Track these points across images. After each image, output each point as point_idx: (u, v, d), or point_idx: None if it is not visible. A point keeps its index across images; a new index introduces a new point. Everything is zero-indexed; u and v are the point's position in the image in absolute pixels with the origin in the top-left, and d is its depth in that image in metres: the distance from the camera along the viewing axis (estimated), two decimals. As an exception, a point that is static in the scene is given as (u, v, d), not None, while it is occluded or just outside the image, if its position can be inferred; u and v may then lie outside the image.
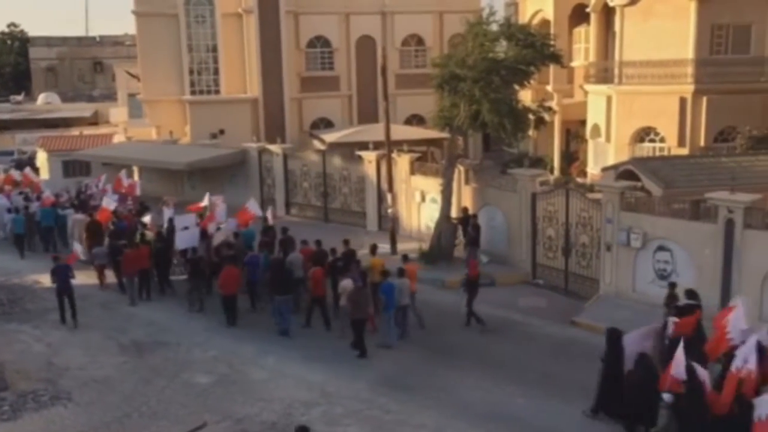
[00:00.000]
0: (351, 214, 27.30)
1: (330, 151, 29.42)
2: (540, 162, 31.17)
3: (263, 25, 36.09)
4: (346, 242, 19.33)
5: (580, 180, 28.36)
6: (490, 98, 20.06)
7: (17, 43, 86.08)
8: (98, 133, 45.18)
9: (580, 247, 19.28)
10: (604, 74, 28.40)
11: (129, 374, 15.21)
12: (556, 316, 17.68)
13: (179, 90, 36.59)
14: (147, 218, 23.60)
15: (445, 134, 24.36)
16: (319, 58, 38.13)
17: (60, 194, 29.29)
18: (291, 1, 36.52)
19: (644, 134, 26.58)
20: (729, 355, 11.86)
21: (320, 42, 37.91)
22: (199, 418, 12.83)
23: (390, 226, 23.67)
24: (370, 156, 26.20)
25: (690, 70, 25.13)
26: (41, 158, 41.14)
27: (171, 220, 21.97)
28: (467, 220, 21.20)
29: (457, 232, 21.85)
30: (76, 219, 24.63)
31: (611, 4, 27.33)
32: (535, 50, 20.86)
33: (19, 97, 71.54)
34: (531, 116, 21.65)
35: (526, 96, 27.29)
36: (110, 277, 20.99)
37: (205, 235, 20.74)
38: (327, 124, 37.96)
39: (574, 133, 32.24)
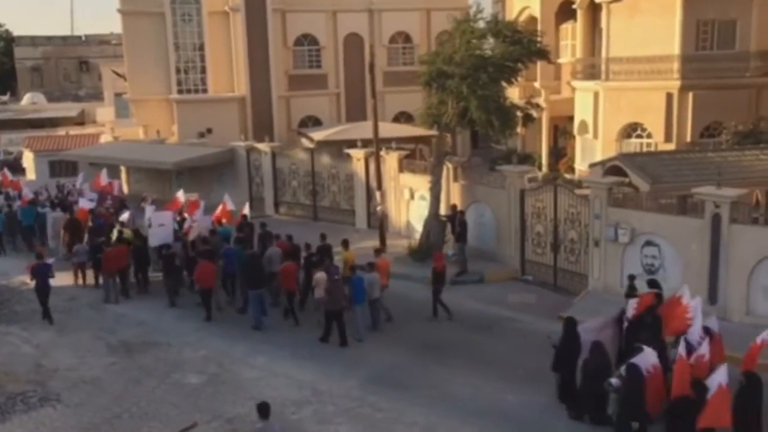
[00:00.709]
0: (340, 212, 27.30)
1: (318, 150, 29.41)
2: (528, 158, 31.26)
3: (250, 23, 36.00)
4: (322, 236, 19.60)
5: (568, 176, 28.48)
6: (478, 95, 20.09)
7: (2, 42, 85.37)
8: (85, 132, 44.91)
9: (569, 243, 19.36)
10: (591, 71, 28.52)
11: (119, 375, 15.15)
12: (546, 312, 17.73)
13: (166, 89, 36.43)
14: (124, 216, 23.90)
15: (433, 132, 24.38)
16: (306, 56, 38.08)
17: (39, 192, 29.43)
18: (278, -1, 36.47)
19: (631, 130, 26.71)
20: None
21: (308, 40, 37.86)
22: (189, 418, 12.76)
23: (379, 224, 23.67)
24: (358, 154, 26.20)
25: (676, 66, 25.28)
26: (27, 158, 40.89)
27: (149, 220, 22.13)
28: (455, 217, 21.25)
29: (446, 229, 21.88)
30: (54, 217, 24.81)
31: (597, 0, 27.43)
32: (522, 47, 20.91)
33: (5, 97, 71.03)
34: (519, 113, 21.72)
35: (513, 93, 27.35)
36: (89, 276, 21.05)
37: (180, 231, 21.16)
38: (315, 122, 37.93)
39: (562, 129, 32.37)
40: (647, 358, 11.57)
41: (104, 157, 34.24)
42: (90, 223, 23.26)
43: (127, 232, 21.55)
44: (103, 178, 29.32)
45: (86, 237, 22.02)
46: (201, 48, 36.38)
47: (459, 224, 20.79)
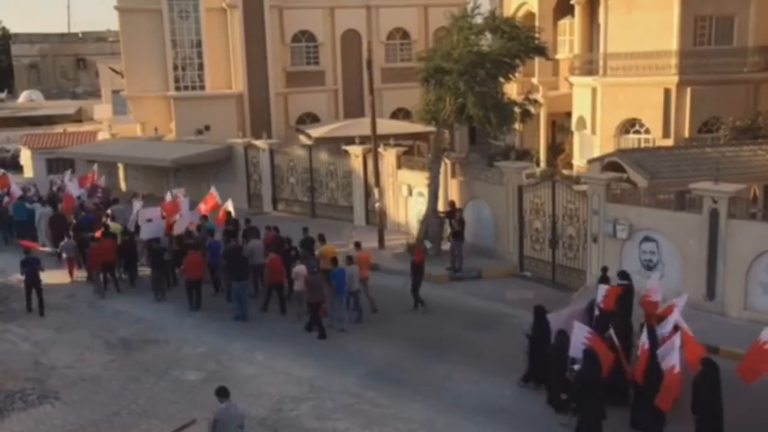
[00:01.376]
0: (338, 209, 27.28)
1: (316, 146, 29.37)
2: (526, 154, 31.24)
3: (248, 19, 35.89)
4: (305, 230, 20.09)
5: (566, 172, 28.47)
6: (476, 91, 20.07)
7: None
8: (82, 130, 44.72)
9: (567, 239, 19.37)
10: (589, 66, 28.49)
11: (117, 372, 15.15)
12: (544, 308, 17.72)
13: (163, 86, 36.31)
14: (112, 209, 24.33)
15: (431, 128, 24.36)
16: (304, 52, 37.98)
17: (27, 188, 29.84)
18: (275, -5, 36.38)
19: (629, 126, 26.71)
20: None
21: (305, 36, 37.77)
22: (188, 415, 12.80)
23: (377, 221, 23.67)
24: (356, 150, 26.18)
25: (674, 61, 25.27)
26: (25, 156, 40.77)
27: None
28: (453, 214, 21.24)
29: (444, 226, 21.88)
30: (42, 213, 25.10)
31: (595, -4, 27.44)
32: (520, 43, 20.87)
33: (2, 95, 70.81)
34: (517, 109, 21.70)
35: (511, 89, 27.33)
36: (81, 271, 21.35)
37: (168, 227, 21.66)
38: (313, 118, 37.85)
39: (560, 125, 32.34)
40: (579, 332, 12.26)
41: (102, 154, 34.20)
42: (73, 219, 23.82)
43: (115, 227, 21.96)
44: (95, 175, 29.84)
45: (71, 232, 22.40)
46: (198, 45, 36.26)
47: (458, 222, 20.78)
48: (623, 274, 15.20)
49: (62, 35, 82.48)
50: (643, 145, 25.82)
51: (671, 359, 11.54)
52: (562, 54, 31.66)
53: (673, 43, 25.25)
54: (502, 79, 21.33)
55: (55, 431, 12.89)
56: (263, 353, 15.76)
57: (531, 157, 31.35)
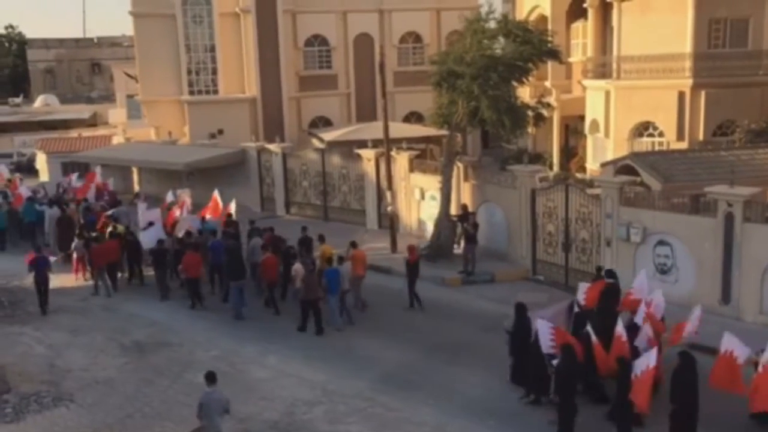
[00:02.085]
0: (351, 213, 27.31)
1: (329, 150, 29.41)
2: (539, 158, 31.14)
3: (261, 24, 36.06)
4: (303, 229, 20.66)
5: (579, 175, 28.34)
6: (489, 95, 20.05)
7: (15, 45, 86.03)
8: (97, 134, 45.06)
9: (580, 242, 19.29)
10: (602, 69, 28.38)
11: (131, 375, 15.24)
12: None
13: (177, 90, 36.55)
14: (116, 210, 24.92)
15: (443, 131, 24.35)
16: (317, 56, 38.10)
17: (37, 191, 30.51)
18: (288, 0, 36.51)
19: (643, 129, 26.57)
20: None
21: (318, 41, 37.89)
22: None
23: (390, 224, 23.67)
24: (369, 154, 26.20)
25: (688, 64, 25.11)
26: (41, 160, 41.10)
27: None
28: (466, 217, 21.22)
29: (457, 230, 21.86)
30: (51, 214, 25.61)
31: (608, -1, 27.34)
32: (533, 46, 20.84)
33: (18, 100, 71.49)
34: (530, 112, 21.65)
35: (524, 92, 27.27)
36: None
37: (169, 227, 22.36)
38: (326, 122, 37.95)
39: (573, 128, 32.21)
40: (543, 330, 12.80)
41: (116, 158, 34.42)
42: (81, 220, 24.52)
43: (120, 227, 22.37)
44: (98, 177, 30.29)
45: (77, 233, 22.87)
46: (212, 49, 36.47)
47: (471, 226, 20.77)
48: (609, 273, 15.33)
49: (77, 40, 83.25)
50: (656, 148, 25.68)
51: (647, 358, 11.65)
52: (575, 57, 31.56)
53: (687, 46, 25.10)
54: (515, 83, 21.30)
55: (69, 433, 12.98)
56: (276, 356, 15.80)
57: (544, 160, 31.25)
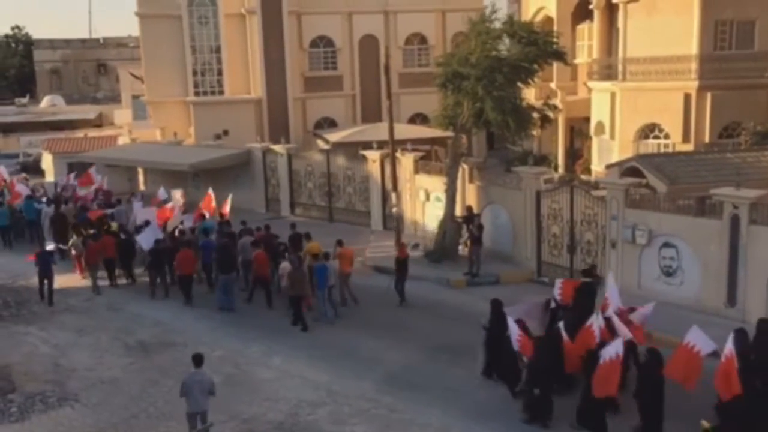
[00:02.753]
0: (355, 214, 27.31)
1: (334, 151, 29.44)
2: (544, 160, 31.12)
3: (266, 25, 36.14)
4: (292, 226, 21.16)
5: (584, 177, 28.30)
6: (494, 96, 20.03)
7: (21, 45, 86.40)
8: (103, 134, 45.23)
9: (585, 244, 19.26)
10: (607, 71, 28.34)
11: (136, 375, 15.26)
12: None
13: (183, 91, 36.64)
14: (110, 211, 25.28)
15: (449, 133, 24.34)
16: (322, 57, 38.16)
17: (36, 189, 30.92)
18: (294, 1, 36.56)
19: (648, 131, 26.52)
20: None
21: (323, 42, 37.94)
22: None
23: (394, 225, 23.67)
24: (374, 155, 26.21)
25: (694, 66, 25.05)
26: (46, 160, 41.24)
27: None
28: (471, 219, 21.21)
29: (462, 231, 21.84)
30: (47, 212, 26.18)
31: (614, 0, 27.28)
32: (539, 48, 20.83)
33: (24, 100, 71.77)
34: (535, 114, 21.63)
35: (530, 94, 27.25)
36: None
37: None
38: (331, 123, 37.99)
39: (578, 130, 32.18)
40: (513, 333, 12.90)
41: (122, 158, 34.54)
42: (74, 218, 24.88)
43: (113, 225, 22.78)
44: (94, 176, 30.66)
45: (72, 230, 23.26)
46: (217, 50, 36.57)
47: (477, 228, 20.76)
48: (587, 272, 15.64)
49: (83, 41, 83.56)
50: (662, 150, 25.63)
51: (613, 347, 11.74)
52: (581, 59, 31.52)
53: (693, 48, 25.04)
54: (520, 84, 21.28)
55: (74, 433, 13.01)
56: (280, 357, 15.81)
57: (549, 162, 31.23)
